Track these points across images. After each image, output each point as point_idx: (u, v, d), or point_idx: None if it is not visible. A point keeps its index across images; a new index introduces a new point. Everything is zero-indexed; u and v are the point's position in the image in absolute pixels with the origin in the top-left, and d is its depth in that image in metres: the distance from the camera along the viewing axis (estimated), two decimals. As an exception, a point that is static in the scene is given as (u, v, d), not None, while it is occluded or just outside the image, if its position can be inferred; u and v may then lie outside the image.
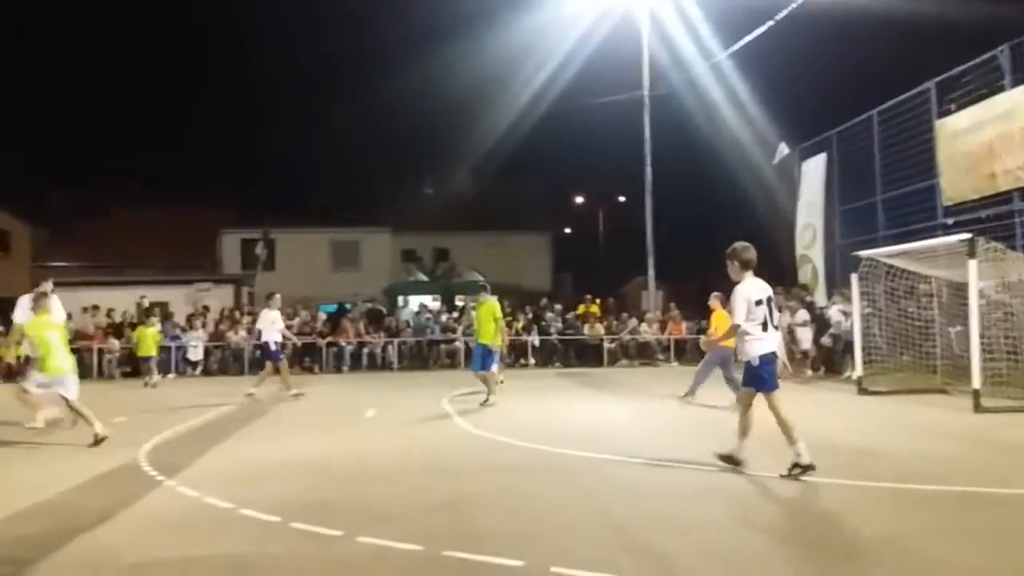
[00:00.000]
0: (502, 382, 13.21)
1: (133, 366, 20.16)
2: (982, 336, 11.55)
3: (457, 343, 22.54)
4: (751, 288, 6.99)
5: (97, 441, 8.91)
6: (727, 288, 7.60)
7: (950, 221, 16.32)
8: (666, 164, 27.68)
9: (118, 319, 22.77)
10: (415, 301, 31.27)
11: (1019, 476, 7.10)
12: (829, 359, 17.79)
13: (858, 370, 14.19)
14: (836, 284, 18.95)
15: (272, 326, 14.78)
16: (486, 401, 12.59)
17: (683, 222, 39.21)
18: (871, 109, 19.40)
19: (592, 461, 7.78)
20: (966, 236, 11.85)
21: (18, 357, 12.96)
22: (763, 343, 6.94)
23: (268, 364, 14.90)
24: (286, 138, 59.55)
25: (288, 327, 22.83)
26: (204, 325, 22.67)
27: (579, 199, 52.03)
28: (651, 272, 27.47)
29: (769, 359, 6.96)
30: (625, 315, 25.10)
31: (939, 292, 14.46)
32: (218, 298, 26.25)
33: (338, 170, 41.26)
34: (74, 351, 21.12)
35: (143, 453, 8.52)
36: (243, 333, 22.04)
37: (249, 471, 7.61)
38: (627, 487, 6.73)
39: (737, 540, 5.14)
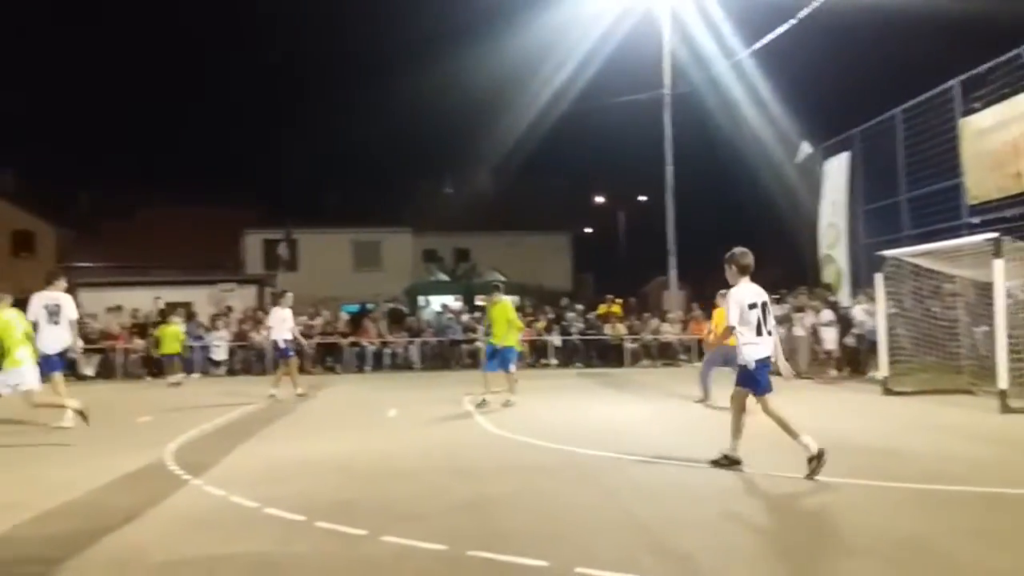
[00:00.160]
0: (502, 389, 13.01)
1: (157, 366, 20.34)
2: (1008, 336, 11.43)
3: (479, 343, 22.56)
4: (745, 292, 7.16)
5: (83, 416, 9.12)
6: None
7: (975, 220, 16.13)
8: (687, 163, 27.56)
9: (142, 319, 23.00)
10: (436, 301, 31.39)
11: (1047, 478, 7.03)
12: (853, 359, 17.67)
13: (883, 370, 14.09)
14: (860, 284, 18.81)
15: (282, 324, 14.82)
16: (481, 403, 12.43)
17: (704, 221, 39.03)
18: (895, 107, 19.22)
19: (614, 461, 7.78)
20: (992, 235, 11.74)
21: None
22: (758, 347, 7.06)
23: (281, 363, 14.96)
24: (307, 138, 59.84)
25: (310, 327, 23.13)
26: (228, 325, 22.85)
27: (599, 199, 51.93)
28: (673, 272, 27.39)
29: (765, 363, 7.08)
30: (647, 315, 25.06)
31: (964, 292, 14.33)
32: (241, 298, 26.45)
33: (359, 170, 41.55)
34: (99, 351, 21.68)
35: (169, 452, 8.60)
36: (265, 333, 22.18)
37: (274, 470, 7.67)
38: (650, 487, 6.73)
39: (761, 540, 5.13)
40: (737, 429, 7.19)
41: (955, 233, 15.64)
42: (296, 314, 23.79)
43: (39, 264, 36.99)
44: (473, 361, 22.51)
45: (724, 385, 12.04)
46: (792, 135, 24.22)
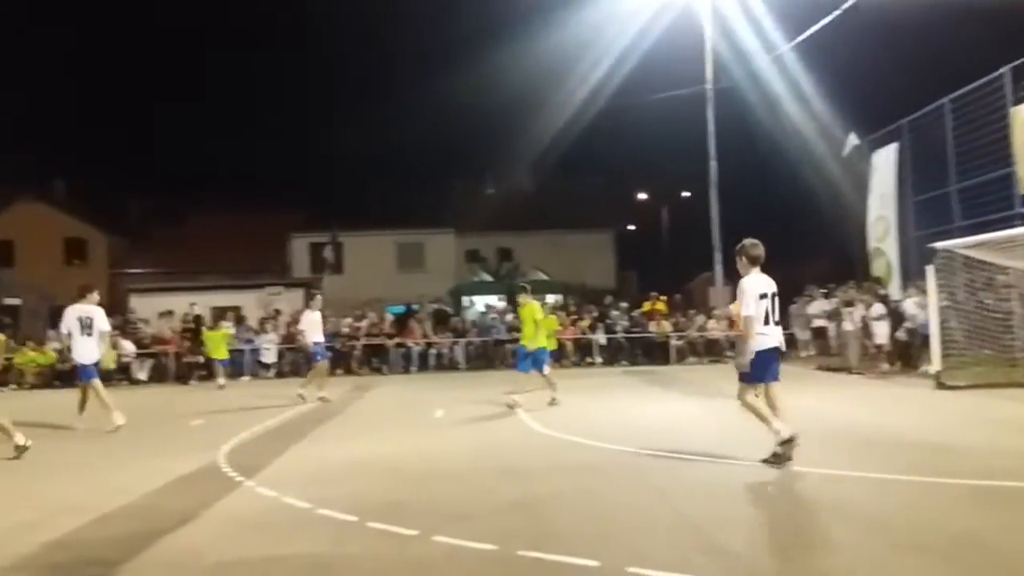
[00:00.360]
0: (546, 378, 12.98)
1: (207, 369, 20.66)
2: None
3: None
4: (756, 282, 7.31)
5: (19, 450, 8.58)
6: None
7: (1028, 210, 15.80)
8: (731, 158, 27.30)
9: (191, 323, 23.38)
10: (480, 301, 31.46)
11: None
12: (905, 353, 17.38)
13: (935, 364, 13.84)
14: (911, 277, 18.49)
15: (314, 327, 14.95)
16: (514, 403, 12.33)
17: (749, 217, 38.59)
18: (943, 97, 18.88)
19: (662, 460, 7.74)
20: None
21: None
22: (766, 337, 7.20)
23: (317, 365, 15.08)
24: (350, 141, 60.38)
25: (356, 328, 23.37)
26: (276, 328, 23.16)
27: (642, 195, 51.64)
28: (718, 268, 27.14)
29: (767, 354, 7.21)
30: (692, 312, 24.87)
31: (1018, 283, 14.04)
32: (288, 302, 26.73)
33: (401, 172, 41.76)
34: (152, 355, 22.13)
35: (222, 454, 8.74)
36: (300, 337, 22.45)
37: (325, 471, 7.76)
38: (699, 486, 6.69)
39: (813, 538, 5.08)
40: (767, 416, 7.19)
41: (1007, 223, 15.26)
42: (342, 316, 24.23)
43: (91, 272, 37.84)
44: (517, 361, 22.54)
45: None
46: (837, 128, 23.89)
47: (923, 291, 15.30)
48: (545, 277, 34.34)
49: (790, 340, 23.52)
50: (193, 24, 67.89)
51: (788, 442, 7.00)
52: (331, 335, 22.95)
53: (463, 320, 25.59)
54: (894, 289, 19.78)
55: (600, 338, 23.49)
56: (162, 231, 40.64)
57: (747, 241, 7.57)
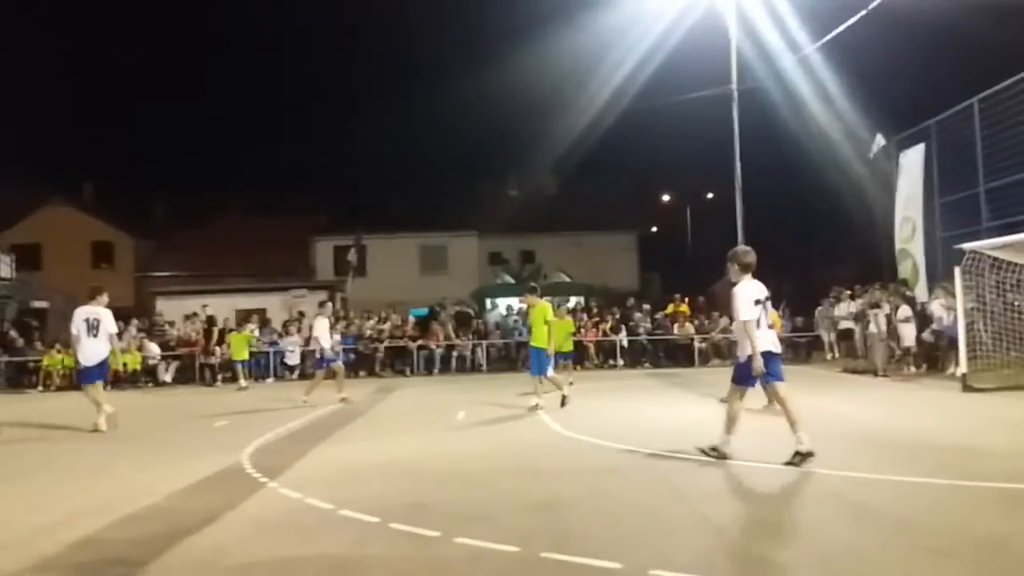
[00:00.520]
0: (541, 382, 12.89)
1: (232, 371, 20.83)
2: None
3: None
4: (750, 289, 7.45)
5: None
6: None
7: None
8: (755, 160, 27.09)
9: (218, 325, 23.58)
10: (503, 303, 31.49)
11: None
12: (931, 355, 17.20)
13: (962, 366, 13.67)
14: (937, 278, 18.30)
15: (326, 332, 15.11)
16: (535, 406, 12.28)
17: (774, 218, 38.37)
18: (971, 96, 18.68)
19: (684, 462, 7.68)
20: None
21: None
22: (760, 342, 7.29)
23: (335, 367, 15.19)
24: (373, 144, 60.65)
25: (380, 331, 23.48)
26: (300, 331, 23.30)
27: (665, 197, 51.46)
28: (742, 270, 26.92)
29: (767, 357, 7.29)
30: (716, 314, 24.73)
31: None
32: (312, 304, 26.86)
33: (424, 174, 41.81)
34: (178, 357, 22.38)
35: (246, 456, 8.80)
36: (337, 337, 22.57)
37: (347, 472, 7.79)
38: (722, 489, 6.66)
39: (837, 542, 5.02)
40: (732, 422, 7.48)
41: (1037, 225, 15.10)
42: (366, 319, 24.35)
43: (118, 275, 38.37)
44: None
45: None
46: (863, 129, 23.67)
47: (949, 293, 15.13)
48: (568, 279, 34.34)
49: (815, 342, 23.46)
50: (219, 29, 68.50)
51: (721, 455, 7.42)
52: (354, 337, 23.15)
53: (485, 322, 25.62)
54: (920, 291, 19.58)
55: (623, 340, 23.43)
56: (188, 234, 41.04)
57: (739, 248, 7.80)
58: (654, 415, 12.02)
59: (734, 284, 7.57)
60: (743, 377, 7.43)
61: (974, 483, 6.41)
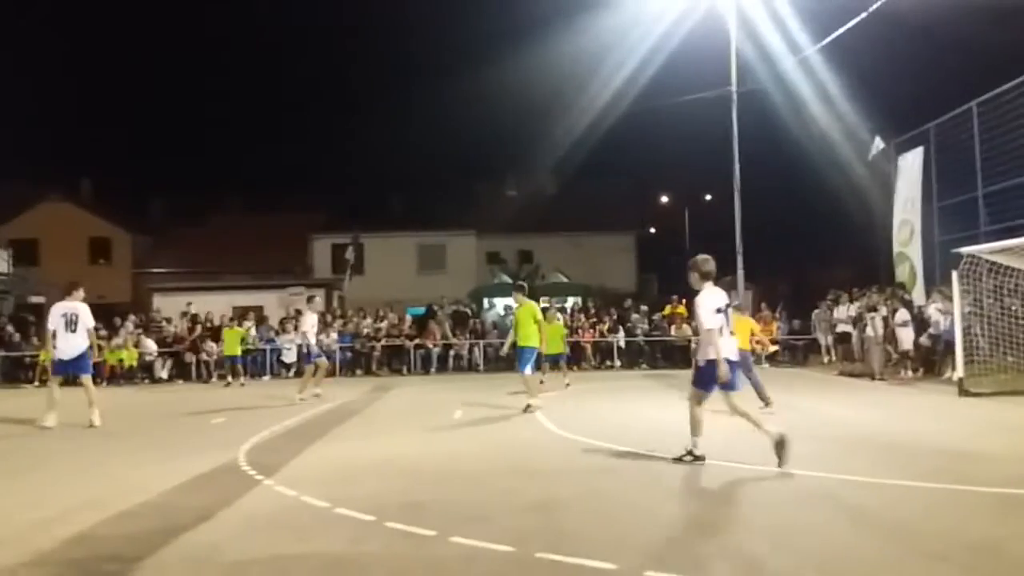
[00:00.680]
0: (542, 382, 12.80)
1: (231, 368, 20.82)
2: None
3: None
4: (712, 297, 7.52)
5: None
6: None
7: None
8: (754, 162, 27.10)
9: (215, 322, 23.57)
10: (500, 303, 31.47)
11: None
12: (928, 359, 17.20)
13: (959, 371, 13.69)
14: (935, 282, 18.33)
15: (313, 327, 15.20)
16: (528, 407, 12.26)
17: (773, 220, 38.40)
18: (970, 100, 18.70)
19: (681, 464, 7.68)
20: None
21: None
22: (722, 348, 7.36)
23: (318, 362, 15.25)
24: (371, 143, 60.64)
25: (377, 330, 23.46)
26: (296, 328, 23.25)
27: (664, 198, 51.44)
28: (740, 272, 26.94)
29: (730, 364, 7.40)
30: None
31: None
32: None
33: (422, 174, 41.77)
34: (173, 354, 22.36)
35: (242, 453, 8.79)
36: (334, 335, 22.58)
37: (343, 470, 7.78)
38: (717, 490, 6.66)
39: (833, 545, 5.02)
40: (697, 426, 7.63)
41: (1035, 229, 15.11)
42: (364, 316, 24.31)
43: (116, 271, 38.31)
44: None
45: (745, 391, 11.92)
46: (862, 132, 23.69)
47: (947, 297, 15.15)
48: (565, 279, 34.34)
49: (812, 345, 23.46)
50: (219, 27, 68.43)
51: (696, 457, 7.55)
52: (351, 336, 23.13)
53: (482, 322, 25.60)
54: (918, 294, 19.60)
55: (620, 341, 23.42)
56: (185, 231, 41.00)
57: (699, 257, 7.82)
58: (650, 416, 12.01)
59: (697, 292, 7.65)
60: (705, 382, 7.52)
61: (970, 487, 6.42)
